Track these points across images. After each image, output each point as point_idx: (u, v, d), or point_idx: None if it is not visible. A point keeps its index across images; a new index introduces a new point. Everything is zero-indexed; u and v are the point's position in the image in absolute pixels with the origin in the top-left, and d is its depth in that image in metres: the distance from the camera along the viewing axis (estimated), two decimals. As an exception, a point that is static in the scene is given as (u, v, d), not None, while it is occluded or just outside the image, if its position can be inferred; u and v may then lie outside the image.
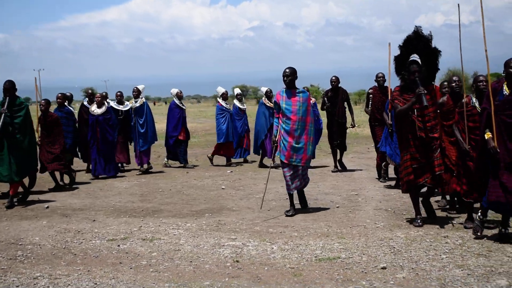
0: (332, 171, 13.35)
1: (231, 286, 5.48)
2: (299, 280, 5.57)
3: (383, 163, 11.48)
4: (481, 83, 7.39)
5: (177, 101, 14.95)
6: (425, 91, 7.31)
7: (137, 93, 14.05)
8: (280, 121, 8.65)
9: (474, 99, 7.48)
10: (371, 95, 12.08)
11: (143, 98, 14.14)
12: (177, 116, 14.81)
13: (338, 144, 13.26)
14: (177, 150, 14.91)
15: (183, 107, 15.01)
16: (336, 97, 13.12)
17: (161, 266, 6.20)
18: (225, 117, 15.04)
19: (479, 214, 6.99)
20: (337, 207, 9.17)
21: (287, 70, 8.63)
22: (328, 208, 9.11)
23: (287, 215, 8.54)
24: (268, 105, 14.35)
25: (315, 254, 6.40)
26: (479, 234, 6.92)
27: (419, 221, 7.67)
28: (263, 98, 14.90)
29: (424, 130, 7.52)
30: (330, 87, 13.25)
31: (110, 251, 6.87)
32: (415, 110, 7.52)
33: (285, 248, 6.70)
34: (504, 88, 6.58)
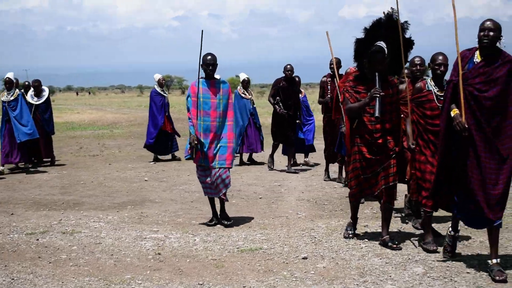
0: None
1: (153, 279, 5.42)
2: (221, 271, 5.57)
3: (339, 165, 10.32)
4: (437, 67, 6.26)
5: (158, 89, 14.21)
6: (382, 93, 5.92)
7: (9, 85, 12.59)
8: (195, 118, 7.17)
9: (430, 83, 6.34)
10: (329, 85, 10.70)
11: (17, 90, 12.61)
12: (159, 104, 13.99)
13: (287, 138, 11.83)
14: (164, 143, 14.00)
15: (165, 94, 14.23)
16: (292, 88, 11.71)
17: (81, 260, 6.07)
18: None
19: (449, 228, 5.86)
20: (260, 198, 9.23)
21: (210, 58, 7.21)
22: (251, 199, 9.15)
23: (208, 225, 7.43)
24: (244, 95, 13.21)
25: (238, 245, 6.42)
26: (449, 254, 5.85)
27: (350, 231, 6.66)
28: (239, 87, 13.45)
29: (378, 132, 6.22)
30: (284, 75, 11.70)
31: (29, 245, 6.66)
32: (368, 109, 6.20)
33: (208, 240, 6.68)
34: (475, 55, 5.40)
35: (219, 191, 7.29)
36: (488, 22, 5.30)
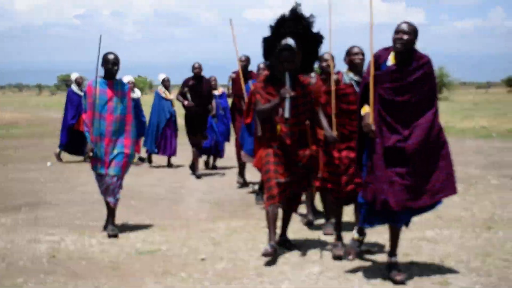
0: (196, 174, 11.37)
1: (46, 282, 5.25)
2: (117, 274, 5.48)
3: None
4: (356, 56, 5.95)
5: (75, 88, 13.82)
6: (292, 94, 5.62)
7: None
8: (90, 122, 6.68)
9: (348, 75, 5.96)
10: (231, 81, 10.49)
11: None
12: (75, 104, 13.49)
13: (198, 141, 11.48)
14: (78, 143, 13.16)
15: (82, 94, 13.67)
16: (200, 87, 11.31)
17: (-31, 264, 5.80)
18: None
19: (355, 231, 5.99)
20: (161, 199, 9.17)
21: (113, 57, 6.74)
22: (151, 201, 9.06)
23: (110, 235, 6.81)
24: (164, 95, 12.97)
25: (136, 247, 6.33)
26: (350, 258, 5.85)
27: (269, 247, 5.84)
28: (159, 87, 13.20)
29: (290, 135, 5.93)
30: (192, 75, 11.36)
31: None
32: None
33: (105, 242, 6.55)
34: (390, 58, 5.12)
35: (110, 197, 6.83)
36: (403, 25, 5.04)
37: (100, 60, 6.77)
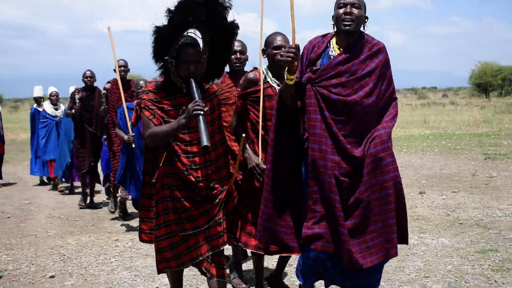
0: (80, 206, 9.67)
1: None
2: (-40, 297, 5.30)
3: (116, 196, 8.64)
4: (278, 51, 4.57)
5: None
6: (206, 108, 3.87)
7: None
8: None
9: (267, 73, 4.74)
10: (104, 92, 8.86)
11: None
12: None
13: (91, 167, 9.48)
14: None
15: None
16: (92, 99, 9.37)
17: None
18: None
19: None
20: (8, 217, 8.85)
21: None
22: (-3, 219, 8.75)
23: None
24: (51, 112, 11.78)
25: (-20, 269, 6.13)
26: None
27: None
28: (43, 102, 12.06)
29: (199, 169, 4.11)
30: (83, 85, 9.47)
31: None
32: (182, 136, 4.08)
33: None
34: (331, 46, 3.76)
35: None
36: None
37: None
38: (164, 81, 4.11)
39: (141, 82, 7.25)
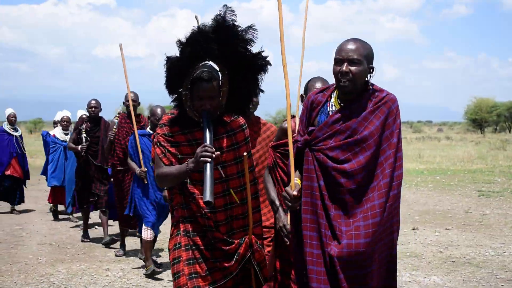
0: (83, 239, 9.09)
1: None
2: None
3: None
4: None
5: (6, 127, 11.87)
6: (216, 153, 3.34)
7: None
8: None
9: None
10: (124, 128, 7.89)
11: None
12: (4, 144, 11.68)
13: (96, 199, 8.77)
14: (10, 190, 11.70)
15: (13, 133, 11.90)
16: (97, 131, 8.74)
17: None
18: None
19: None
20: (-1, 243, 8.81)
21: None
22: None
23: None
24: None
25: (-32, 295, 6.08)
26: None
27: None
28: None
29: (213, 212, 3.58)
30: (88, 114, 8.92)
31: None
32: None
33: None
34: (331, 101, 3.36)
35: None
36: (349, 45, 3.25)
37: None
38: (178, 115, 3.68)
39: (159, 111, 6.71)
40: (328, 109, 3.31)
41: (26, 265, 7.43)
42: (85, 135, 8.59)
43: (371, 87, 3.28)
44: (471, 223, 10.01)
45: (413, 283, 6.45)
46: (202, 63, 3.58)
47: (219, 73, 3.60)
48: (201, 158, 3.29)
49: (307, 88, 4.31)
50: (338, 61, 3.22)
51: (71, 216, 10.88)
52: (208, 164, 3.26)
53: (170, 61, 3.54)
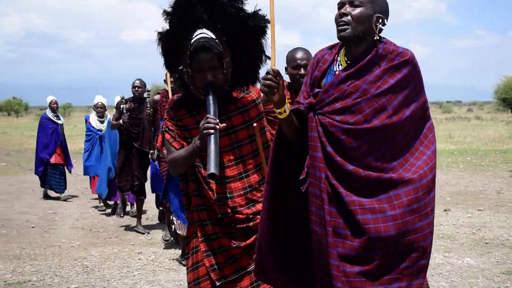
0: (119, 216, 9.60)
1: None
2: (-16, 308, 5.35)
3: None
4: (297, 70, 4.21)
5: (50, 114, 11.95)
6: (219, 125, 3.04)
7: None
8: None
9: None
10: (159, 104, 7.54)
11: None
12: (49, 132, 11.82)
13: (136, 185, 8.65)
14: (56, 178, 11.77)
15: (57, 121, 11.97)
16: (140, 112, 8.46)
17: None
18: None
19: None
20: (32, 227, 8.92)
21: None
22: (22, 229, 8.81)
23: None
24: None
25: (5, 279, 6.17)
26: None
27: None
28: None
29: (233, 197, 3.31)
30: (132, 95, 8.59)
31: None
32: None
33: (-29, 274, 6.35)
34: (338, 59, 2.88)
35: None
36: None
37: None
38: (183, 95, 3.39)
39: (156, 97, 6.35)
40: (335, 69, 2.85)
41: (60, 248, 7.53)
42: (126, 109, 8.34)
43: (383, 42, 2.78)
44: (503, 204, 9.88)
45: (447, 265, 6.39)
46: (197, 35, 3.27)
47: (217, 41, 3.25)
48: (204, 131, 3.01)
49: (287, 59, 4.23)
50: (339, 6, 2.78)
51: (98, 205, 10.78)
52: (212, 136, 2.98)
53: (160, 36, 3.25)
